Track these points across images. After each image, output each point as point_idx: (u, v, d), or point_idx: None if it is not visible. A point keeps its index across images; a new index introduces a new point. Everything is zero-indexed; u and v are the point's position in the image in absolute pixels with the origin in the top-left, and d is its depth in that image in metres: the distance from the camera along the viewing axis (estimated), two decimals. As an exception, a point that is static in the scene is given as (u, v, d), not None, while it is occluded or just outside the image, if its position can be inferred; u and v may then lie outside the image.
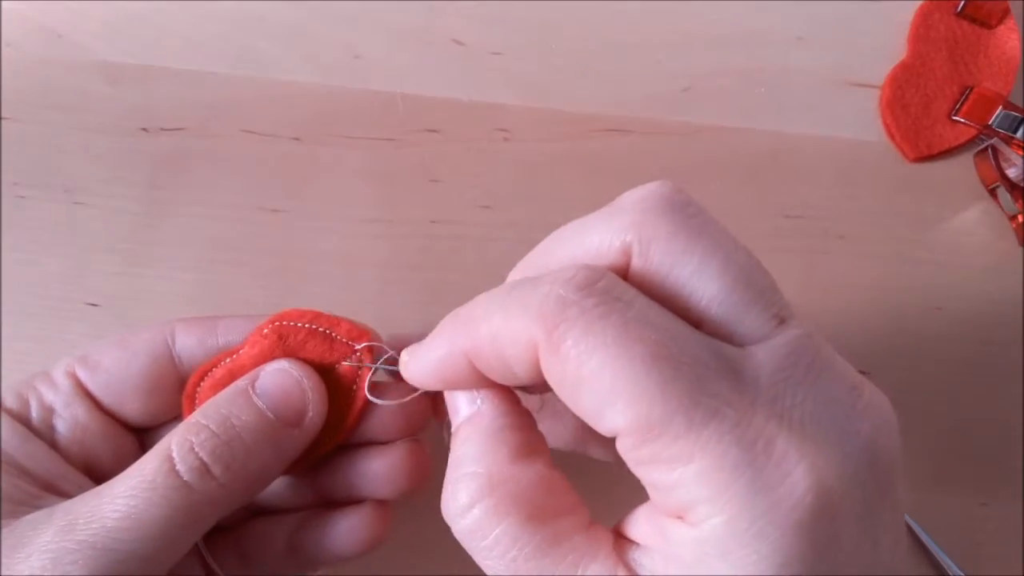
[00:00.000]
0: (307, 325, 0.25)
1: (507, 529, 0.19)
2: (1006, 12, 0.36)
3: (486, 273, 0.35)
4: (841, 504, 0.17)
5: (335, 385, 0.25)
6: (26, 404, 0.25)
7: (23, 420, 0.25)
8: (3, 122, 0.36)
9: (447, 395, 0.22)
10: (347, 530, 0.26)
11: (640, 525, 0.19)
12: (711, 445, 0.17)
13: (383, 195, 0.36)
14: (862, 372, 0.36)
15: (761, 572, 0.17)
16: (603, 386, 0.17)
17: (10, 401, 0.25)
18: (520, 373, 0.20)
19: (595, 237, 0.20)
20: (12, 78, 0.36)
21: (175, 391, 0.26)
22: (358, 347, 0.26)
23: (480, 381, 0.21)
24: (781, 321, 0.19)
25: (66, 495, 0.24)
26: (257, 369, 0.25)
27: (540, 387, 0.21)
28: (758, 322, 0.19)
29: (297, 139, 0.36)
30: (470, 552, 0.20)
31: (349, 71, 0.37)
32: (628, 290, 0.19)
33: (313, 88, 0.36)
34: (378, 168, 0.36)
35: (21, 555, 0.21)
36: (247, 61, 0.37)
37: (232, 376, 0.25)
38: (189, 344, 0.26)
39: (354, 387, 0.26)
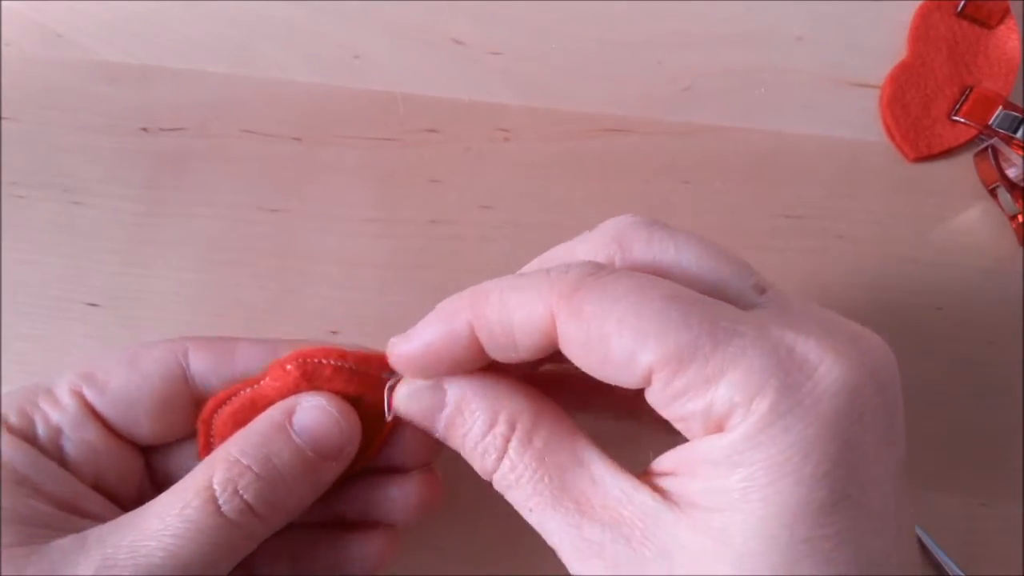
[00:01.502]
0: (333, 362, 0.25)
1: (535, 452, 0.21)
2: (1006, 12, 0.36)
3: (486, 273, 0.35)
4: (864, 410, 0.18)
5: (362, 414, 0.25)
6: (31, 423, 0.24)
7: (29, 440, 0.24)
8: (3, 122, 0.36)
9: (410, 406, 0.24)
10: (359, 552, 0.26)
11: (666, 460, 0.21)
12: (737, 357, 0.18)
13: (383, 195, 0.36)
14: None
15: (787, 460, 0.18)
16: (630, 331, 0.19)
17: (13, 419, 0.24)
18: (522, 345, 0.21)
19: (581, 253, 0.22)
20: (11, 78, 0.36)
21: (186, 412, 0.26)
22: (390, 377, 0.25)
23: (473, 359, 0.22)
24: (762, 291, 0.21)
25: (90, 515, 0.23)
26: (292, 401, 0.24)
27: (532, 366, 0.24)
28: (741, 290, 0.21)
29: (297, 139, 0.36)
30: (513, 499, 0.22)
31: (349, 71, 0.37)
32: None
33: (313, 88, 0.36)
34: (378, 168, 0.36)
35: None
36: (247, 61, 0.37)
37: (255, 406, 0.25)
38: (202, 368, 0.26)
39: (381, 415, 0.25)
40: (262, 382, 0.25)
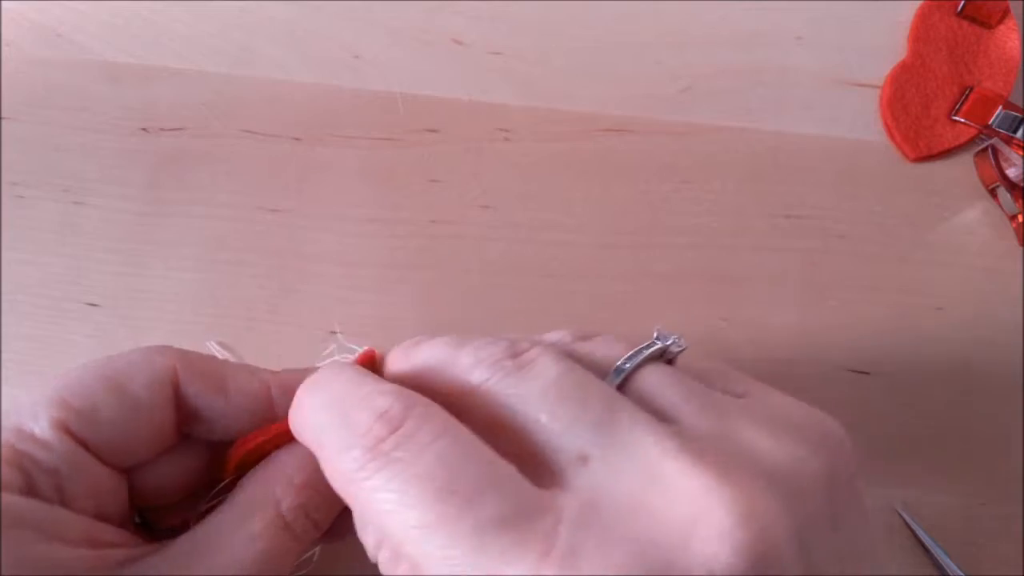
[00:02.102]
0: None
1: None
2: (1006, 12, 0.36)
3: (486, 273, 0.35)
4: None
5: None
6: (27, 475, 0.22)
7: (31, 493, 0.22)
8: (3, 122, 0.36)
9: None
10: None
11: None
12: None
13: (383, 195, 0.36)
14: (862, 372, 0.36)
15: None
16: (385, 526, 0.18)
17: (7, 475, 0.22)
18: None
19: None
20: (12, 78, 0.36)
21: (173, 430, 0.25)
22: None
23: None
24: (585, 462, 0.18)
25: (114, 545, 0.23)
26: None
27: None
28: (565, 458, 0.18)
29: (297, 139, 0.36)
30: None
31: (349, 71, 0.37)
32: (438, 422, 0.19)
33: (313, 88, 0.36)
34: (378, 168, 0.36)
35: None
36: (247, 61, 0.37)
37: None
38: (192, 392, 0.25)
39: None
40: None
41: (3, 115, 0.36)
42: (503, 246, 0.35)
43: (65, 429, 0.23)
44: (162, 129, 0.36)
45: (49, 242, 0.35)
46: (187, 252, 0.35)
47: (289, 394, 0.25)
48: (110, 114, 0.36)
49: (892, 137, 0.36)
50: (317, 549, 0.30)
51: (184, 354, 0.25)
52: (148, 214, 0.35)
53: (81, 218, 0.35)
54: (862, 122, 0.37)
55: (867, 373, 0.34)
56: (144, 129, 0.36)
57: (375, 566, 0.20)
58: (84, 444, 0.23)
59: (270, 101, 0.36)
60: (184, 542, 0.22)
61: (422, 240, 0.35)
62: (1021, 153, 0.35)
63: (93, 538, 0.23)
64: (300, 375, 0.25)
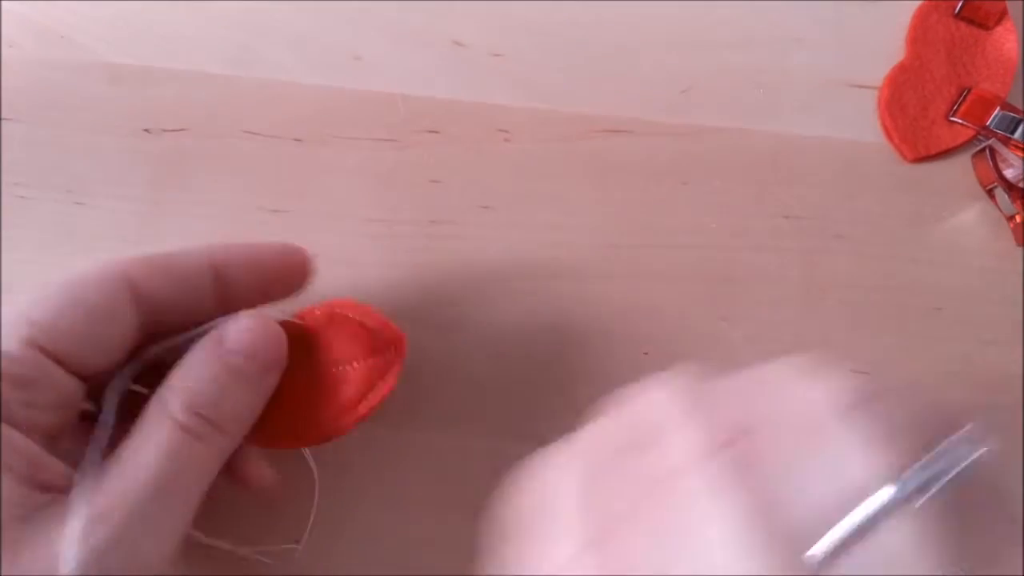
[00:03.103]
0: (358, 319, 0.27)
1: None
2: (1004, 13, 0.37)
3: (486, 273, 0.35)
4: None
5: (366, 372, 0.27)
6: None
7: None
8: (4, 122, 0.36)
9: None
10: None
11: None
12: None
13: (383, 195, 0.36)
14: (863, 372, 0.36)
15: None
16: None
17: None
18: None
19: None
20: (13, 78, 0.36)
21: (134, 333, 0.26)
22: (396, 354, 0.28)
23: None
24: None
25: (52, 488, 0.23)
26: (223, 327, 0.26)
27: None
28: None
29: (298, 140, 0.36)
30: None
31: (350, 72, 0.37)
32: None
33: (314, 89, 0.36)
34: (378, 168, 0.36)
35: (40, 553, 0.21)
36: (248, 62, 0.37)
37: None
38: (151, 287, 0.26)
39: (378, 378, 0.27)
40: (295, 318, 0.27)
41: (5, 116, 0.36)
42: (503, 246, 0.35)
43: (30, 341, 0.24)
44: (164, 130, 0.36)
45: (50, 243, 0.35)
46: (188, 252, 0.35)
47: (231, 266, 0.27)
48: (112, 115, 0.36)
49: (890, 138, 0.37)
50: (304, 537, 0.30)
51: (138, 256, 0.27)
52: (150, 215, 0.35)
53: (82, 219, 0.35)
54: (860, 123, 0.37)
55: (867, 373, 0.34)
56: (146, 130, 0.36)
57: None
58: (49, 354, 0.24)
59: (271, 102, 0.36)
60: (106, 461, 0.23)
61: (422, 240, 0.35)
62: (1019, 154, 0.35)
63: (33, 476, 0.23)
64: (246, 248, 0.28)
